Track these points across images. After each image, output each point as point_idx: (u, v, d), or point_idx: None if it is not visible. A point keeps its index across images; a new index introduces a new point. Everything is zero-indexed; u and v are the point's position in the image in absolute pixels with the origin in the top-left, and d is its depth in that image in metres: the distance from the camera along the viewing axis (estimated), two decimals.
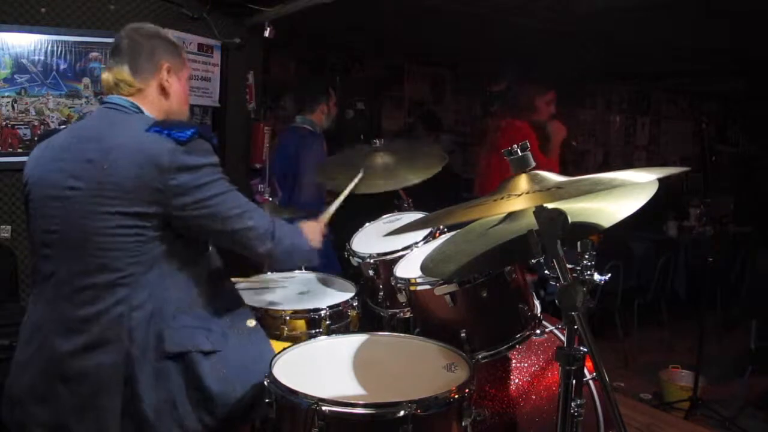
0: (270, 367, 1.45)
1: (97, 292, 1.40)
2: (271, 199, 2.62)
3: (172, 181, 1.39)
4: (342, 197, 2.10)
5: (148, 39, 1.56)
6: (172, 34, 1.64)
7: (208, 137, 1.47)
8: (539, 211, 1.19)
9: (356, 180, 2.20)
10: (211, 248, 1.61)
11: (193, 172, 1.42)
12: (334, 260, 3.18)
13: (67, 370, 1.40)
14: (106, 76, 1.54)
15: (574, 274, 1.44)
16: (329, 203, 2.09)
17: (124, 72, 1.52)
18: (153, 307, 1.41)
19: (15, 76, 2.83)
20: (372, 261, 2.04)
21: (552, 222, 1.17)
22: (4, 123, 2.83)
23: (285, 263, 1.66)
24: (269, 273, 2.43)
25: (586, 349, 1.22)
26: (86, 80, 2.96)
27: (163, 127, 1.43)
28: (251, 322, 1.64)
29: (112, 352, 1.39)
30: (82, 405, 1.39)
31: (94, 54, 2.94)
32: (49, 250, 1.45)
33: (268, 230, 1.54)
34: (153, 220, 1.41)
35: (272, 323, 1.98)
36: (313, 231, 1.79)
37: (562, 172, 1.27)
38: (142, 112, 1.53)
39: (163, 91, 1.57)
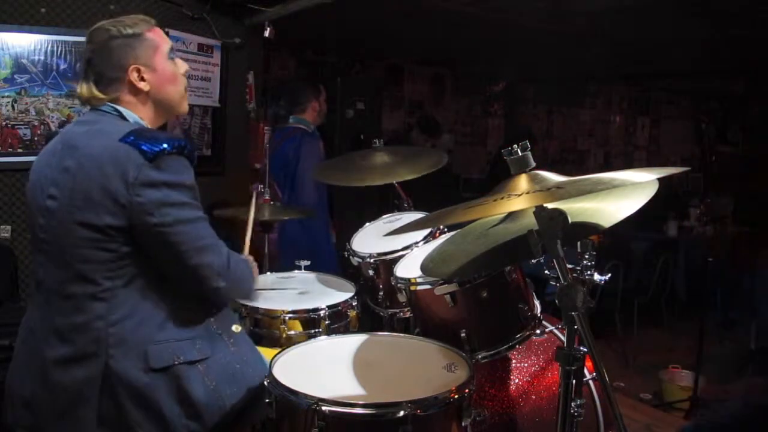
0: (270, 367, 1.45)
1: (78, 303, 1.37)
2: (272, 200, 2.61)
3: (137, 197, 1.33)
4: (250, 227, 2.05)
5: (102, 48, 1.45)
6: (131, 20, 1.48)
7: (186, 152, 1.40)
8: (539, 211, 1.19)
9: (254, 204, 2.18)
10: None
11: (160, 189, 1.35)
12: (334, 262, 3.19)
13: (48, 378, 1.38)
14: (79, 90, 1.47)
15: (574, 274, 1.44)
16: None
17: (92, 89, 1.45)
18: (133, 323, 1.38)
19: (15, 76, 2.83)
20: (372, 261, 2.04)
21: (552, 222, 1.17)
22: (4, 123, 2.83)
23: (226, 301, 1.59)
24: (268, 273, 2.44)
25: (586, 349, 1.22)
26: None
27: (137, 137, 1.35)
28: (237, 328, 1.60)
29: (89, 367, 1.36)
30: (59, 414, 1.38)
31: None
32: (40, 256, 1.44)
33: (223, 268, 1.45)
34: (124, 234, 1.35)
35: (271, 323, 1.99)
36: (255, 267, 1.73)
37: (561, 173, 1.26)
38: (122, 116, 1.46)
39: (138, 91, 1.47)
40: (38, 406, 1.41)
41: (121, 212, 1.34)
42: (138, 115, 1.49)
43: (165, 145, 1.35)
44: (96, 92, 1.45)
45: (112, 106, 1.46)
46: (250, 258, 1.77)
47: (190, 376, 1.41)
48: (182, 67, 1.56)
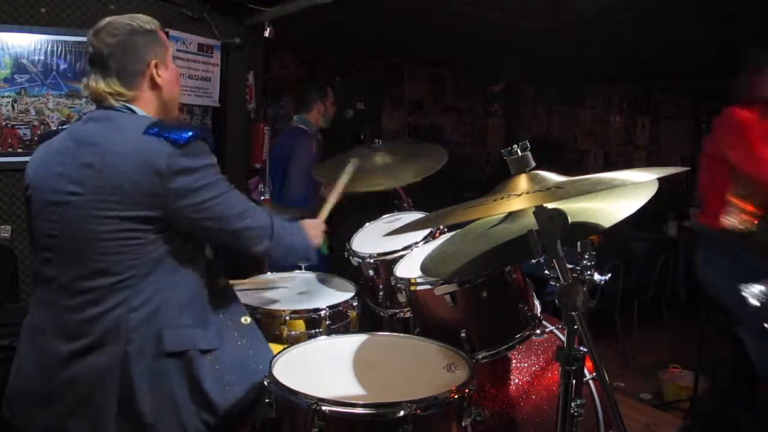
0: (270, 367, 1.45)
1: (97, 296, 1.39)
2: (270, 198, 2.61)
3: (171, 184, 1.38)
4: (337, 192, 2.08)
5: (125, 42, 1.46)
6: (145, 17, 1.52)
7: (207, 138, 1.46)
8: (539, 211, 1.19)
9: (349, 171, 2.19)
10: (206, 247, 1.60)
11: (192, 174, 1.41)
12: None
13: (66, 372, 1.39)
14: (95, 86, 1.46)
15: (574, 274, 1.44)
16: (324, 199, 2.07)
17: (115, 85, 1.46)
18: (152, 307, 1.41)
19: (15, 76, 2.83)
20: (372, 261, 2.04)
21: (552, 222, 1.17)
22: (4, 123, 2.83)
23: (283, 260, 1.68)
24: (269, 273, 2.44)
25: (586, 349, 1.22)
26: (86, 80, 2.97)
27: (161, 129, 1.40)
28: (246, 319, 1.64)
29: (108, 353, 1.38)
30: (78, 405, 1.39)
31: None
32: (50, 254, 1.45)
33: (266, 228, 1.55)
34: (154, 223, 1.40)
35: (272, 323, 1.98)
36: (314, 228, 1.79)
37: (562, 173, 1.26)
38: (134, 112, 1.48)
39: (156, 86, 1.52)
40: (55, 403, 1.41)
41: (157, 202, 1.38)
42: (147, 112, 1.51)
43: (191, 133, 1.40)
44: (119, 88, 1.46)
45: (123, 104, 1.48)
46: (319, 222, 1.84)
47: (201, 365, 1.44)
48: None
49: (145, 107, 1.51)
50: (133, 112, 1.48)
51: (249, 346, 1.58)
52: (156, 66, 1.50)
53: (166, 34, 1.59)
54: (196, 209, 1.42)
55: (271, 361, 1.50)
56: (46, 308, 1.45)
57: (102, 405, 1.38)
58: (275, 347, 1.65)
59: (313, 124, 3.57)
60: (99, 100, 1.48)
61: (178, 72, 1.61)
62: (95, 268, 1.39)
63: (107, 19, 1.49)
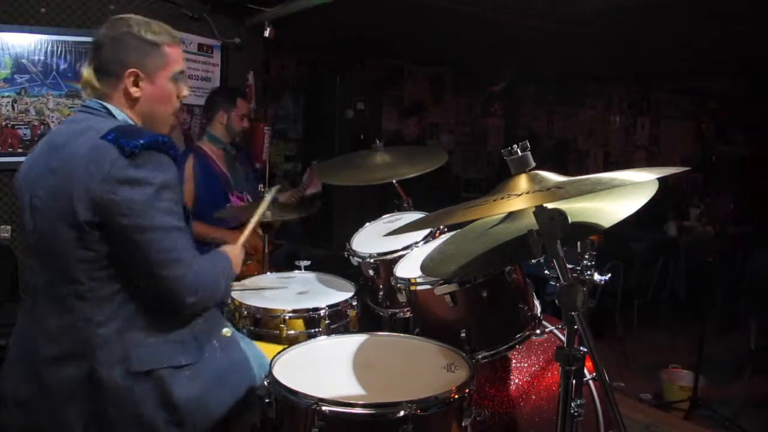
0: (270, 366, 1.45)
1: (65, 304, 1.36)
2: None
3: (112, 195, 1.29)
4: (255, 220, 1.98)
5: (115, 39, 1.42)
6: (158, 28, 1.48)
7: (167, 150, 1.35)
8: (539, 211, 1.19)
9: (265, 203, 2.14)
10: None
11: (136, 188, 1.30)
12: None
13: (42, 377, 1.38)
14: (83, 73, 1.46)
15: (574, 274, 1.44)
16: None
17: (90, 74, 1.44)
18: (119, 325, 1.36)
19: (15, 76, 2.84)
20: (372, 261, 2.04)
21: (552, 222, 1.17)
22: (4, 123, 2.83)
23: (196, 313, 1.50)
24: (268, 273, 2.43)
25: (586, 349, 1.22)
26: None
27: (118, 134, 1.32)
28: (227, 332, 1.60)
29: (77, 367, 1.35)
30: (52, 413, 1.38)
31: None
32: (28, 258, 1.45)
33: (193, 284, 1.39)
34: (104, 232, 1.33)
35: (271, 323, 1.98)
36: (236, 257, 1.68)
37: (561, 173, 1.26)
38: (111, 114, 1.43)
39: (130, 97, 1.45)
40: (31, 405, 1.41)
41: (98, 210, 1.31)
42: (127, 114, 1.47)
43: (143, 141, 1.32)
44: (93, 79, 1.45)
45: (101, 104, 1.45)
46: (237, 251, 1.70)
47: (175, 381, 1.40)
48: (183, 91, 1.54)
49: (123, 109, 1.46)
50: (110, 112, 1.44)
51: (229, 359, 1.55)
52: (135, 76, 1.44)
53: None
54: (130, 233, 1.31)
55: (271, 362, 1.49)
56: (28, 311, 1.45)
57: (72, 417, 1.36)
58: (272, 349, 1.64)
59: (221, 141, 3.01)
60: (84, 89, 1.47)
61: (173, 92, 1.50)
62: (60, 274, 1.36)
63: (122, 15, 1.47)
